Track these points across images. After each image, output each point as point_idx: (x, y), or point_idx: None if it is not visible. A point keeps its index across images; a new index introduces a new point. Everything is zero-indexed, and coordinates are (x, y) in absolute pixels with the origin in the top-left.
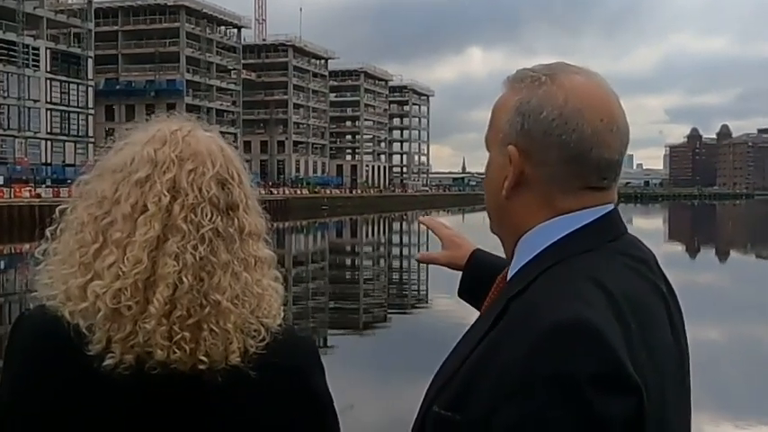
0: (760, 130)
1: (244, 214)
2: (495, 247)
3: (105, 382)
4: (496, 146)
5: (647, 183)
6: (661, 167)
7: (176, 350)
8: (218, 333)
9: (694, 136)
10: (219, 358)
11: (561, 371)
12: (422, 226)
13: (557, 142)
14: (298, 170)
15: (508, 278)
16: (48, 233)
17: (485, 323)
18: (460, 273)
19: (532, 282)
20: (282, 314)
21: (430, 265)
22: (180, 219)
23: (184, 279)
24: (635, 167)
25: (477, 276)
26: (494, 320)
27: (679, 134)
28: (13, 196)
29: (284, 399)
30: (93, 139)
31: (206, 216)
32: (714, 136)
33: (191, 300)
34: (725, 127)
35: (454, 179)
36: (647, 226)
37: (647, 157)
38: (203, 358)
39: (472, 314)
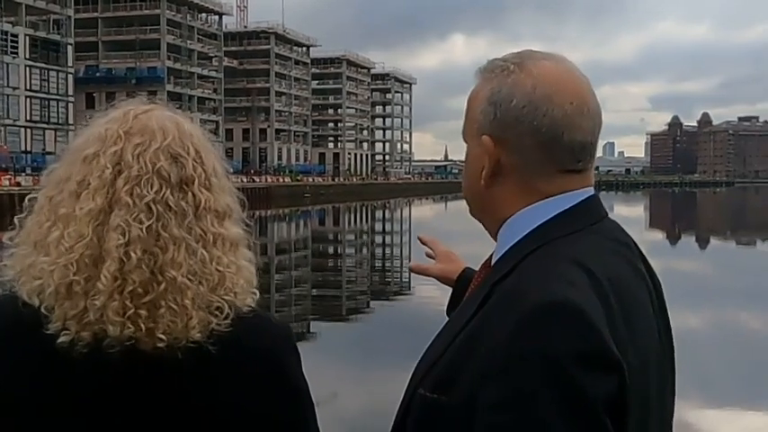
0: (741, 119)
1: (201, 189)
2: (480, 232)
3: (64, 361)
4: (472, 136)
5: (628, 171)
6: (642, 155)
7: (130, 325)
8: (177, 310)
9: (675, 124)
10: (179, 335)
11: (545, 350)
12: (404, 214)
13: (529, 128)
14: (280, 158)
15: (492, 263)
16: (16, 220)
17: (470, 308)
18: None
19: (516, 266)
20: (256, 296)
21: (412, 254)
22: (123, 191)
23: (132, 253)
24: (616, 155)
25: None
26: (479, 305)
27: (661, 122)
28: None
29: (257, 383)
30: (73, 127)
31: (152, 188)
32: (695, 124)
33: (142, 275)
34: (705, 115)
35: (436, 167)
36: (628, 213)
37: (628, 145)
38: (162, 336)
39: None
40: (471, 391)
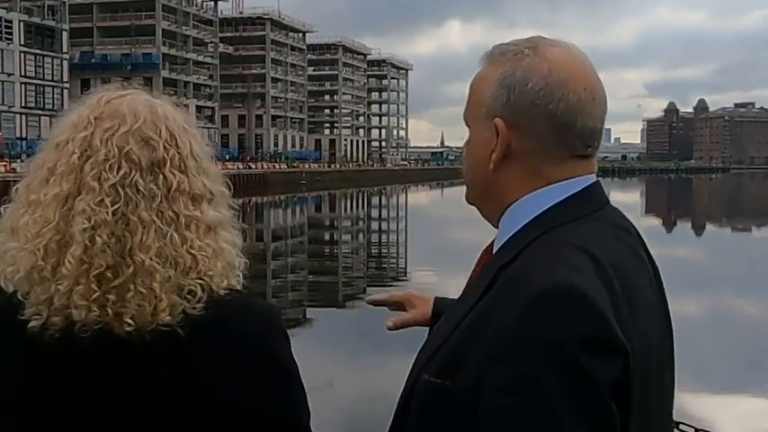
0: (737, 105)
1: (173, 172)
2: (478, 220)
3: (37, 346)
4: (479, 120)
5: (624, 157)
6: (638, 141)
7: (96, 309)
8: (145, 293)
9: (671, 110)
10: (148, 319)
11: (551, 334)
12: (400, 200)
13: (544, 112)
14: (276, 144)
15: (495, 250)
16: (2, 210)
17: (474, 293)
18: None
19: (521, 252)
20: (238, 278)
21: (408, 240)
22: (90, 176)
23: (97, 237)
24: (612, 141)
25: None
26: (484, 290)
27: (657, 108)
28: None
29: (240, 366)
30: None
31: (119, 172)
32: (691, 110)
33: (109, 259)
34: (702, 101)
35: (433, 153)
36: (624, 200)
37: (624, 132)
38: (129, 320)
39: (451, 288)
40: (477, 375)
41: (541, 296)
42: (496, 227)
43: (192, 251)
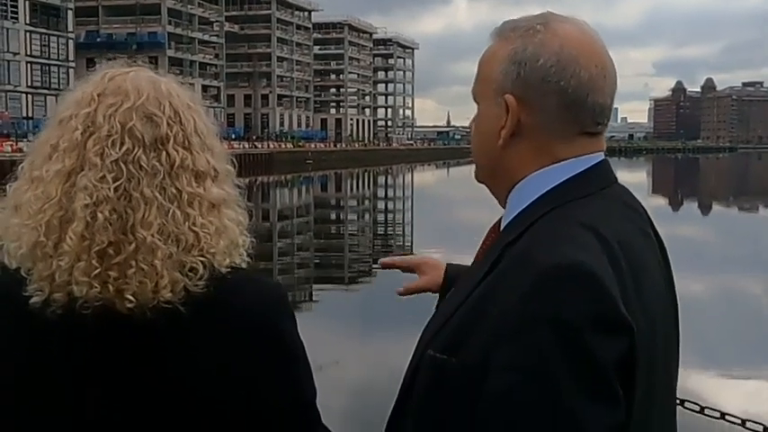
0: (744, 84)
1: (177, 149)
2: (485, 198)
3: (39, 322)
4: (488, 97)
5: (631, 136)
6: (645, 121)
7: (97, 285)
8: (146, 270)
9: (679, 89)
10: (149, 296)
11: (557, 312)
12: (406, 180)
13: (555, 88)
14: (282, 124)
15: (502, 227)
16: (8, 187)
17: (480, 270)
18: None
19: (527, 229)
20: (242, 257)
21: (414, 219)
22: (92, 152)
23: (99, 214)
24: (619, 121)
25: None
26: (490, 267)
27: (665, 87)
28: None
29: (244, 344)
30: None
31: (121, 148)
32: (699, 89)
33: (111, 235)
34: (709, 80)
35: (439, 133)
36: (631, 179)
37: (631, 111)
38: (130, 297)
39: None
40: (483, 352)
41: (548, 274)
42: (504, 205)
43: (195, 228)
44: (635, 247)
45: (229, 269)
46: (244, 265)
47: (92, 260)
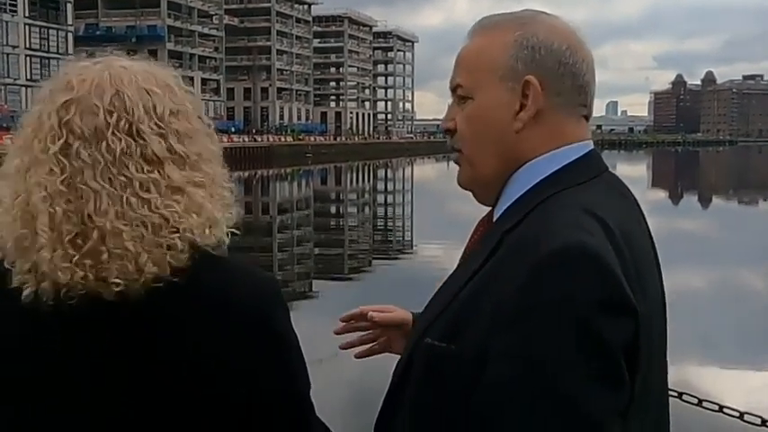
0: (745, 77)
1: (119, 136)
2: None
3: (30, 315)
4: (491, 84)
5: (631, 130)
6: (645, 114)
7: (78, 271)
8: (120, 252)
9: (679, 82)
10: (134, 276)
11: (564, 294)
12: (406, 173)
13: (570, 71)
14: (281, 117)
15: (496, 216)
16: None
17: (478, 258)
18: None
19: (528, 214)
20: (217, 237)
21: (415, 213)
22: (38, 149)
23: (57, 207)
24: (619, 114)
25: None
26: (489, 254)
27: (665, 80)
28: None
29: (237, 332)
30: None
31: (60, 142)
32: (699, 83)
33: (73, 226)
34: (709, 73)
35: (439, 126)
36: (630, 172)
37: (631, 104)
38: (116, 280)
39: (457, 261)
40: (484, 338)
41: (553, 257)
42: (492, 204)
43: (158, 211)
44: (633, 233)
45: (206, 252)
46: (226, 240)
47: (67, 249)
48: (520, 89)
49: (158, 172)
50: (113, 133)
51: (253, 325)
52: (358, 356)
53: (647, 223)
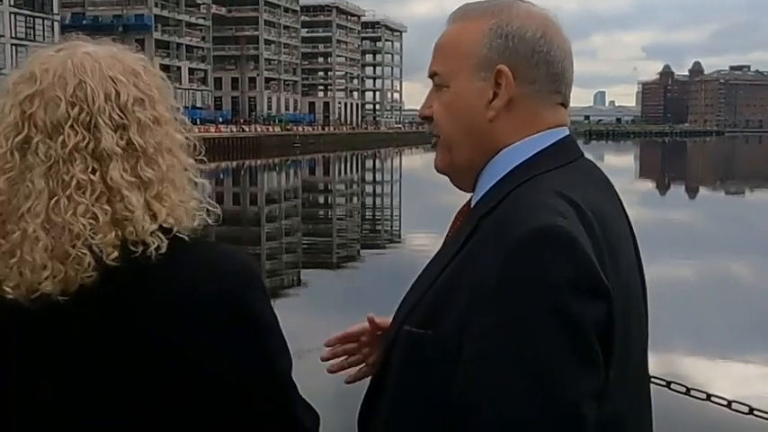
0: (732, 68)
1: (77, 129)
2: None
3: (11, 312)
4: (465, 72)
5: (618, 120)
6: (633, 105)
7: (26, 272)
8: (29, 260)
9: (667, 73)
10: (33, 287)
11: (538, 275)
12: (394, 163)
13: (544, 59)
14: (269, 107)
15: (473, 203)
16: None
17: (454, 244)
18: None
19: (503, 199)
20: (156, 237)
21: (403, 203)
22: None
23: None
24: (607, 105)
25: None
26: (465, 239)
27: (654, 71)
28: None
29: (202, 316)
30: None
31: (19, 137)
32: (687, 73)
33: (13, 227)
34: (697, 64)
35: None
36: (618, 163)
37: (619, 95)
38: (8, 288)
39: None
40: (461, 320)
41: (527, 238)
42: (471, 189)
43: (82, 218)
44: (608, 218)
45: (181, 234)
46: (189, 228)
47: (12, 251)
48: (493, 78)
49: (100, 172)
50: (71, 126)
51: (224, 309)
52: (348, 381)
53: (623, 207)
